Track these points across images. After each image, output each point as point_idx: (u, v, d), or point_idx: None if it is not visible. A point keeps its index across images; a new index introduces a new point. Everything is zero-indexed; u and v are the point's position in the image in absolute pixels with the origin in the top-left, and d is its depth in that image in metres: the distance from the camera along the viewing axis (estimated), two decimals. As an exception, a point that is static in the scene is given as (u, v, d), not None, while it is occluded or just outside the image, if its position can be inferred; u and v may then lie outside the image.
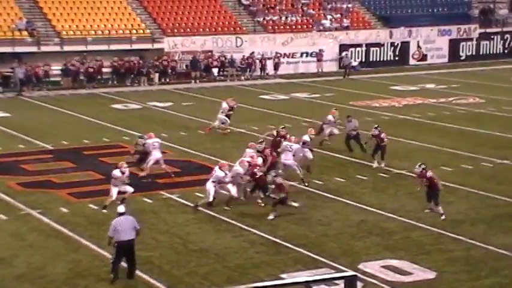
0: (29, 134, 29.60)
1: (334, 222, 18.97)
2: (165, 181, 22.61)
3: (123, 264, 15.36)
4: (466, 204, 20.40)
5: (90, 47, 43.33)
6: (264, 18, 49.97)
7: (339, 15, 51.80)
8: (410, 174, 23.04)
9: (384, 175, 23.10)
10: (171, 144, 27.62)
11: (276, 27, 49.47)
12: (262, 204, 20.05)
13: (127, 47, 44.25)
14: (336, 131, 27.27)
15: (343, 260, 16.35)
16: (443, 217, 18.97)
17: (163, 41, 45.57)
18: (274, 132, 24.43)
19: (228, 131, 29.74)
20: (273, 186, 19.76)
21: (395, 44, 51.54)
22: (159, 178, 22.82)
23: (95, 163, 25.03)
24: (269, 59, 46.83)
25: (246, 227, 18.56)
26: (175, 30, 46.91)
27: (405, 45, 51.80)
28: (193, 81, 44.08)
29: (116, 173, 19.81)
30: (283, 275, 15.45)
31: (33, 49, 42.61)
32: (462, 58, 53.66)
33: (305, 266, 16.03)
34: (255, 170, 20.23)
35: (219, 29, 47.90)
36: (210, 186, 19.97)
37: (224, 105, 30.46)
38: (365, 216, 19.43)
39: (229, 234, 18.14)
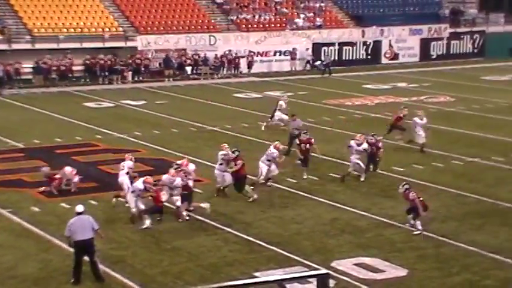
0: (-1, 132, 29.37)
1: (307, 221, 19.06)
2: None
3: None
4: (436, 201, 20.58)
5: (62, 45, 43.04)
6: (237, 17, 49.99)
7: (311, 14, 51.98)
8: (382, 172, 23.27)
9: (356, 173, 23.21)
10: (144, 143, 27.56)
11: (250, 26, 49.51)
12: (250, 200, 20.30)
13: (100, 45, 44.02)
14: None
15: (316, 258, 16.44)
16: (417, 232, 17.91)
17: (137, 39, 45.41)
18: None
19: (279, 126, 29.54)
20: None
21: (368, 43, 51.85)
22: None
23: (67, 162, 24.85)
24: (242, 57, 46.87)
25: (219, 226, 18.58)
26: (149, 28, 46.76)
27: (377, 44, 52.16)
28: (166, 79, 43.98)
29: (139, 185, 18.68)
30: (256, 274, 15.49)
31: (4, 47, 42.21)
32: (433, 57, 54.14)
33: (278, 264, 16.09)
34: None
35: (193, 27, 47.83)
36: (263, 165, 21.27)
37: (281, 102, 30.35)
38: (338, 215, 19.54)
39: (202, 233, 18.15)
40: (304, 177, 22.76)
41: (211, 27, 48.47)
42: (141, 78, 43.92)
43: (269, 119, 30.01)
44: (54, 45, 42.82)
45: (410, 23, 53.49)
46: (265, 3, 51.90)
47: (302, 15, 51.71)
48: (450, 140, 28.42)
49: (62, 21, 44.95)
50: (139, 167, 23.25)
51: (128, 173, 20.04)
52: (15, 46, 42.47)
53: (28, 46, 42.88)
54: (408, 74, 47.29)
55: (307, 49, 49.07)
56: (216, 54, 45.89)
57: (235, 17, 49.90)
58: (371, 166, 23.26)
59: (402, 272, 15.81)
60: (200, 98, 38.09)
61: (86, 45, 43.53)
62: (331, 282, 13.88)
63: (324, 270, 15.63)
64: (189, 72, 45.37)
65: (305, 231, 18.33)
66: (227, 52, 46.24)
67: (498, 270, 15.93)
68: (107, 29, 45.34)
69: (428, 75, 47.15)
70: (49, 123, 31.79)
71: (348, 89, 41.29)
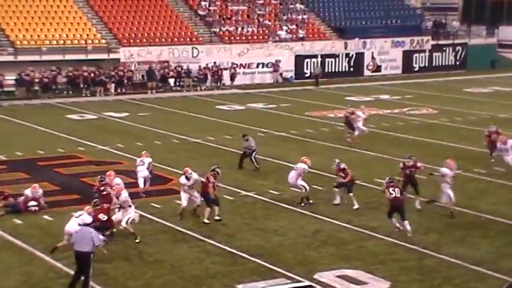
0: (-19, 144, 29.20)
1: (290, 233, 19.08)
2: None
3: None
4: (419, 213, 20.68)
5: (45, 57, 42.92)
6: (220, 29, 50.09)
7: (294, 26, 52.20)
8: (364, 184, 23.34)
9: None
10: (127, 155, 27.49)
11: (232, 38, 49.63)
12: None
13: (82, 57, 43.96)
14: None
15: (299, 270, 16.47)
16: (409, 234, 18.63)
17: (119, 51, 45.38)
18: None
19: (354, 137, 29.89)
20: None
21: (350, 55, 52.11)
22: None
23: (50, 174, 24.78)
24: (225, 69, 46.95)
25: (201, 238, 18.57)
26: (131, 41, 46.74)
27: (360, 56, 52.41)
28: (149, 91, 43.93)
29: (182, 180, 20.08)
30: (239, 286, 15.51)
31: (-14, 59, 42.08)
32: (415, 69, 54.47)
33: (261, 276, 16.10)
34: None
35: (175, 39, 47.86)
36: (302, 182, 21.37)
37: (360, 113, 30.45)
38: (320, 226, 19.58)
39: (185, 245, 18.13)
40: (419, 207, 20.96)
41: (194, 39, 48.53)
42: (124, 90, 43.85)
43: (351, 131, 30.12)
44: (37, 57, 42.70)
45: (392, 35, 53.81)
46: (248, 16, 52.08)
47: (285, 27, 51.91)
48: (432, 152, 28.56)
49: (44, 33, 44.86)
50: (123, 179, 23.20)
51: (148, 168, 22.17)
52: (-3, 58, 42.34)
53: (11, 58, 42.73)
54: (391, 86, 47.55)
55: (279, 61, 49.08)
56: (199, 66, 45.95)
57: (218, 29, 50.02)
58: (411, 190, 21.35)
59: (385, 284, 15.86)
60: (183, 110, 38.09)
61: (68, 57, 43.44)
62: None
63: (306, 283, 15.77)
64: (172, 84, 45.38)
65: (288, 243, 18.35)
66: (210, 64, 46.31)
67: (480, 283, 16.02)
68: (90, 41, 45.29)
69: (411, 87, 47.42)
70: (31, 135, 31.66)
71: (331, 101, 41.44)
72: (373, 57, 52.93)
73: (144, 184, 22.42)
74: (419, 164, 21.59)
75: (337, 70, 51.41)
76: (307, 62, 50.27)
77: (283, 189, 22.81)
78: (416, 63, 54.69)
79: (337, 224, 19.76)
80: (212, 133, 31.59)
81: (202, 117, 35.95)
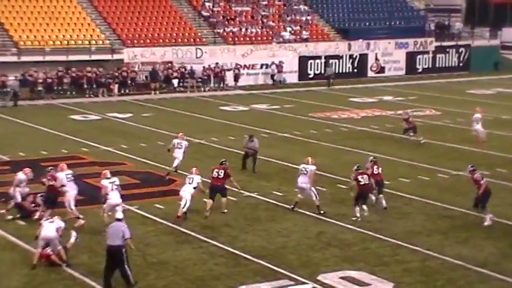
0: (-15, 145, 29.22)
1: (293, 234, 19.07)
2: (125, 193, 22.44)
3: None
4: (422, 215, 20.68)
5: (48, 57, 42.93)
6: (224, 30, 50.10)
7: (298, 28, 52.20)
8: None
9: (343, 186, 23.27)
10: (130, 156, 27.52)
11: (236, 39, 49.64)
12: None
13: (86, 57, 43.96)
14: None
15: (303, 272, 16.46)
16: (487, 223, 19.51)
17: (123, 51, 45.38)
18: None
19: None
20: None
21: (354, 56, 52.08)
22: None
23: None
24: (229, 70, 46.96)
25: (205, 239, 18.57)
26: (135, 41, 46.76)
27: (363, 57, 52.38)
28: (153, 92, 43.94)
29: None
30: (242, 287, 15.50)
31: (-10, 59, 42.12)
32: (419, 71, 54.43)
33: (264, 278, 16.09)
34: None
35: (179, 40, 47.87)
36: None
37: (477, 115, 30.37)
38: (324, 228, 19.57)
39: (188, 246, 18.13)
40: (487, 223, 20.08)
41: (198, 40, 48.54)
42: (127, 91, 43.87)
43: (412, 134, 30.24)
44: (40, 58, 42.72)
45: (396, 36, 53.79)
46: (252, 17, 52.08)
47: (288, 29, 51.91)
48: (436, 153, 28.56)
49: (48, 33, 44.90)
50: (126, 180, 23.28)
51: (184, 152, 24.27)
52: (0, 59, 42.31)
53: (14, 59, 42.77)
54: (394, 88, 47.52)
55: (272, 63, 49.00)
56: (203, 67, 45.95)
57: (221, 30, 50.03)
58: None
59: (388, 286, 15.86)
60: (187, 111, 38.10)
61: (72, 57, 43.46)
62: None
63: (310, 284, 15.79)
64: (176, 85, 45.38)
65: (291, 244, 18.34)
66: (213, 65, 46.32)
67: (483, 284, 16.01)
68: (94, 42, 45.32)
69: (414, 88, 47.39)
70: (35, 136, 31.67)
71: (334, 102, 41.43)
72: (376, 59, 52.91)
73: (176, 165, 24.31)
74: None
75: (340, 71, 51.36)
76: (311, 63, 50.25)
77: (287, 190, 22.79)
78: (419, 65, 54.64)
79: (341, 226, 19.74)
80: (216, 134, 31.60)
81: (206, 118, 35.95)
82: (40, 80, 41.59)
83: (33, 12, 45.90)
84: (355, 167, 20.58)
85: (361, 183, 20.10)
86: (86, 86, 42.64)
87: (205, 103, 41.31)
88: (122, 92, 43.57)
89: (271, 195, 22.47)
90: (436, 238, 18.84)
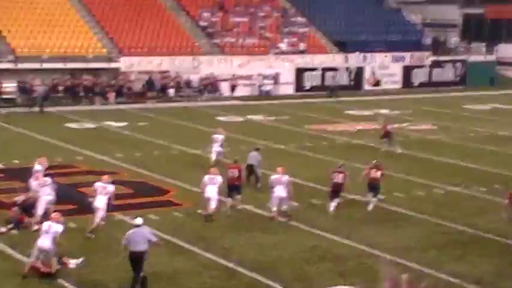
0: (-21, 152, 29.08)
1: (288, 247, 18.97)
2: (118, 203, 22.33)
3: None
4: (418, 230, 20.60)
5: (45, 65, 42.87)
6: (221, 40, 50.12)
7: (295, 39, 52.24)
8: (364, 199, 23.23)
9: (338, 200, 23.15)
10: (125, 165, 27.41)
11: (233, 49, 49.64)
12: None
13: (83, 65, 43.92)
14: None
15: (296, 286, 16.38)
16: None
17: (120, 60, 45.36)
18: None
19: None
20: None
21: (351, 69, 52.15)
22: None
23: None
24: (225, 80, 46.94)
25: (199, 251, 18.47)
26: (132, 50, 46.73)
27: (360, 70, 52.47)
28: (149, 101, 43.88)
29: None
30: (236, 300, 15.41)
31: (-13, 66, 42.02)
32: (415, 85, 54.50)
33: (258, 292, 16.00)
34: None
35: (176, 49, 47.87)
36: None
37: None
38: (318, 242, 19.48)
39: (182, 258, 18.03)
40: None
41: (195, 50, 48.54)
42: (123, 99, 43.81)
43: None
44: (37, 65, 42.65)
45: (392, 50, 53.89)
46: (249, 28, 52.13)
47: (286, 40, 51.94)
48: (431, 168, 28.51)
49: (45, 41, 44.83)
50: (120, 189, 23.13)
51: (221, 146, 26.62)
52: (-3, 65, 42.29)
53: (11, 66, 42.68)
54: (390, 101, 47.54)
55: (259, 75, 49.03)
56: (200, 77, 45.92)
57: (219, 40, 50.04)
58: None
59: (382, 301, 15.73)
60: (182, 121, 38.03)
61: (69, 65, 43.40)
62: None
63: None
64: (172, 94, 45.35)
65: (285, 258, 18.24)
66: (210, 75, 46.28)
67: (478, 301, 15.93)
68: (90, 50, 45.26)
69: (410, 102, 47.43)
70: (30, 144, 31.54)
71: (330, 114, 41.41)
72: (373, 72, 52.97)
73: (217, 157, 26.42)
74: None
75: (337, 84, 51.36)
76: (307, 75, 50.28)
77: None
78: (416, 79, 54.74)
79: (335, 240, 19.65)
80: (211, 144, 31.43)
81: (202, 128, 35.86)
82: (36, 88, 41.44)
83: (30, 20, 45.85)
84: (338, 165, 22.63)
85: (333, 180, 21.95)
86: (82, 94, 42.55)
87: (201, 113, 41.25)
88: (118, 100, 43.47)
89: (266, 207, 22.36)
90: (431, 254, 18.75)
